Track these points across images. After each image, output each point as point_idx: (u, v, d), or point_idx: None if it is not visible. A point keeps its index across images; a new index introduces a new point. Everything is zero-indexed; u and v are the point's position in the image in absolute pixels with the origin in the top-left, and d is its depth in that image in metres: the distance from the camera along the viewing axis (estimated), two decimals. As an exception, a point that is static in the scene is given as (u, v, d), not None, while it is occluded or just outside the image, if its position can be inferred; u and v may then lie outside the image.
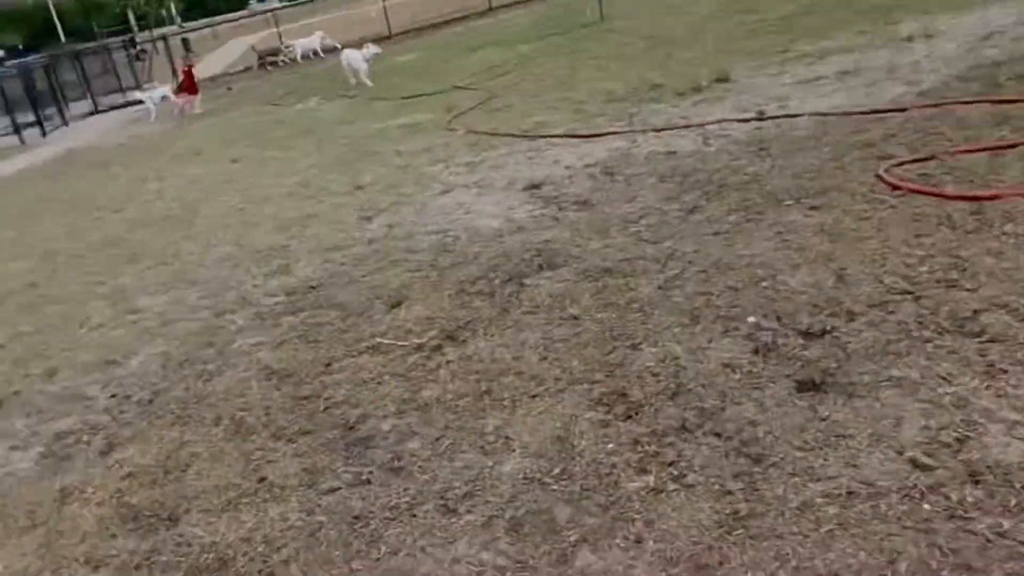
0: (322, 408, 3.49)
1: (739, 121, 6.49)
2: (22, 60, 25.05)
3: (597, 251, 4.45)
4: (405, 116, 10.93)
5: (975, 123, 5.01)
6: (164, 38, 25.05)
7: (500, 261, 4.63)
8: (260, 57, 22.28)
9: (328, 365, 3.88)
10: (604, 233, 4.70)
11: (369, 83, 14.31)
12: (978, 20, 8.14)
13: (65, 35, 49.88)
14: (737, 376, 3.01)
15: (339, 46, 22.48)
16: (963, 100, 5.44)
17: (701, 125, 6.65)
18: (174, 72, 23.26)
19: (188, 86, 17.28)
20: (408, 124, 10.19)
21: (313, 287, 4.97)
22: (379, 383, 3.59)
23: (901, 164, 4.55)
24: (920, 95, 5.96)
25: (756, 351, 3.13)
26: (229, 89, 20.64)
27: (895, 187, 4.26)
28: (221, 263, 5.96)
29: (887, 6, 10.14)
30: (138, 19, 56.52)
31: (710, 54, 9.75)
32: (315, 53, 22.72)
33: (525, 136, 7.77)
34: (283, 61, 22.52)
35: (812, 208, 4.30)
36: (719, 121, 6.62)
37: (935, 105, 5.51)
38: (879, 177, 4.42)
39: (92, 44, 28.84)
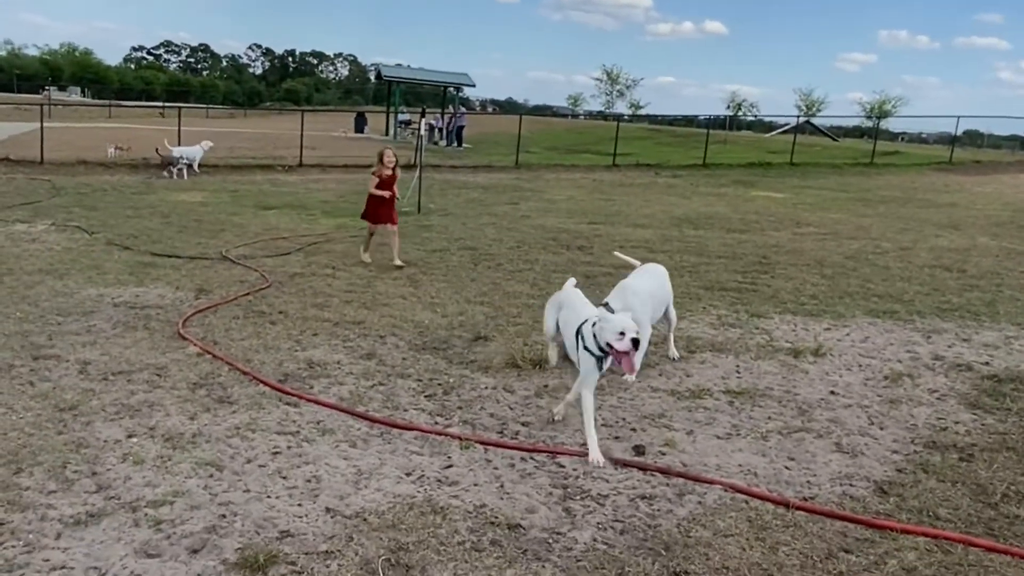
0: None
1: (614, 463, 4.00)
2: None
3: None
4: (138, 284, 7.59)
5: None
6: None
7: None
8: (161, 161, 18.38)
9: None
10: None
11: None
12: (862, 341, 6.53)
13: None
14: None
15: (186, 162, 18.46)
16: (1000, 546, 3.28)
17: (555, 453, 4.08)
18: None
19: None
20: (133, 303, 6.87)
21: None
22: None
23: None
24: (880, 492, 3.79)
25: None
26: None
27: None
28: None
29: (737, 286, 8.61)
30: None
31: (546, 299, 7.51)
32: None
33: (283, 391, 4.81)
34: (177, 172, 17.87)
35: None
36: (582, 453, 4.09)
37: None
38: None
39: None
